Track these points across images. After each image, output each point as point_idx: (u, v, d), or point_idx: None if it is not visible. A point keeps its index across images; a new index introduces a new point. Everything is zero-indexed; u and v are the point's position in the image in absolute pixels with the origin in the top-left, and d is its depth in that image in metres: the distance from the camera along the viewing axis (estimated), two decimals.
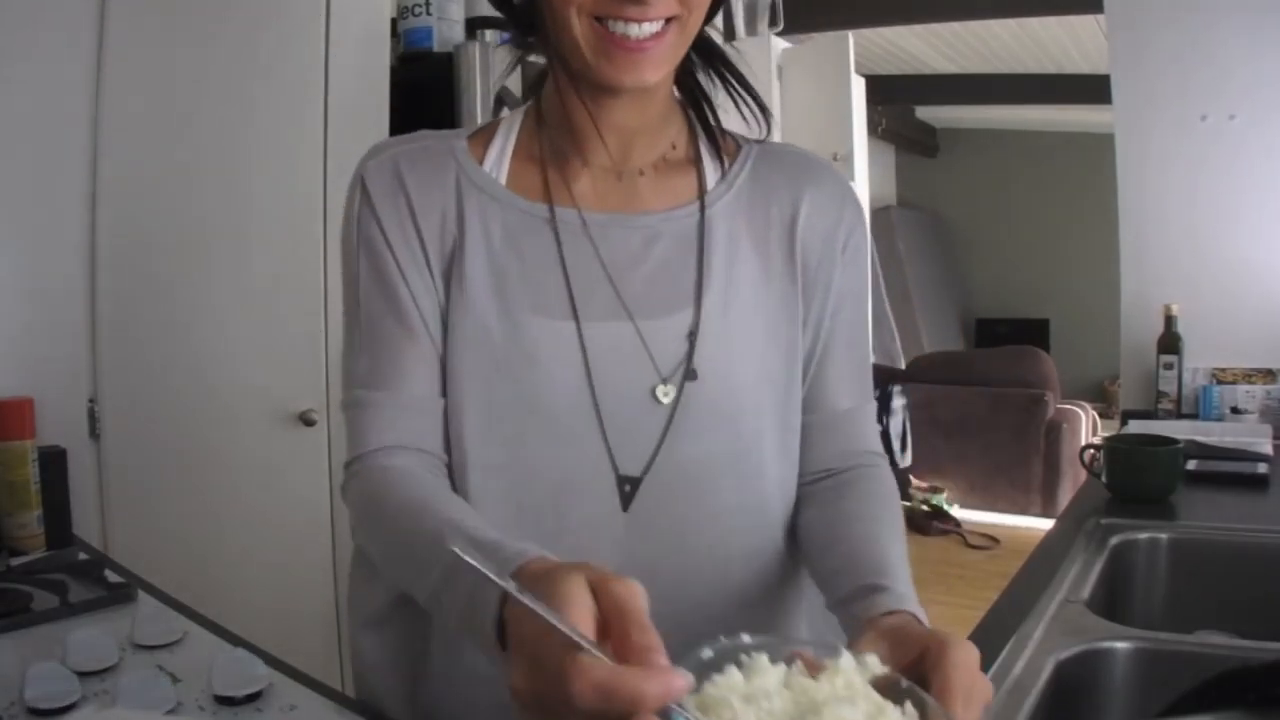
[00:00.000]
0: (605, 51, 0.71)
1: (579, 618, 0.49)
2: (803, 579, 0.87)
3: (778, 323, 0.82)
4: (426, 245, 0.79)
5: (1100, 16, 2.69)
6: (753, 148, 0.86)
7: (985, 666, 0.88)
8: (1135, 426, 2.16)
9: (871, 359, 0.91)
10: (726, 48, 0.86)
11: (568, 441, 0.78)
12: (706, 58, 0.84)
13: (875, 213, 6.20)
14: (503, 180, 0.81)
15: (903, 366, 6.01)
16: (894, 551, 0.75)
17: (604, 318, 0.78)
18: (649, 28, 0.71)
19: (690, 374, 0.78)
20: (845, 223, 0.85)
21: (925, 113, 7.79)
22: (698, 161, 0.84)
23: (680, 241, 0.81)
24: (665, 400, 0.78)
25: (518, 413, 0.78)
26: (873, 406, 0.89)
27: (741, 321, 0.80)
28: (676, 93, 0.85)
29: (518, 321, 0.78)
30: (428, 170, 0.81)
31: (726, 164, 0.85)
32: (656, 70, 0.73)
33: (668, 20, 0.72)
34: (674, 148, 0.84)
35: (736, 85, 0.85)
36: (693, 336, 0.79)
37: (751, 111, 0.85)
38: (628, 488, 0.78)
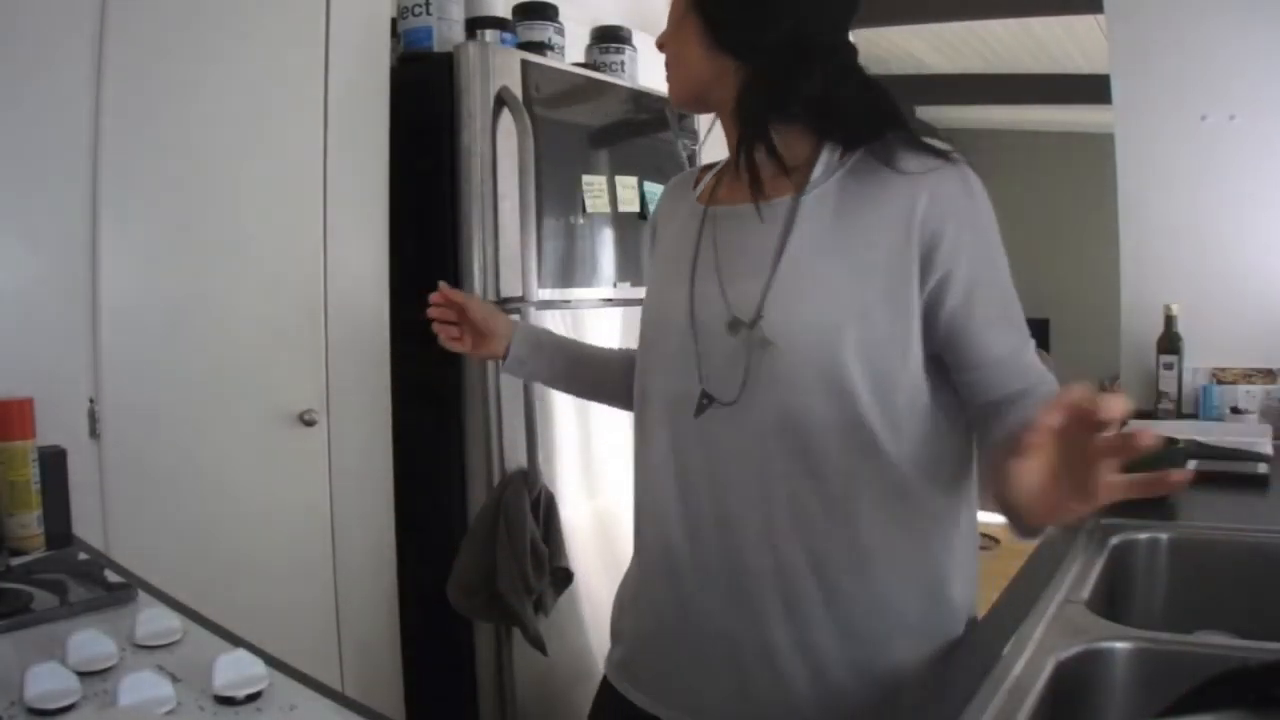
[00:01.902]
0: None
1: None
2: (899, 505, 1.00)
3: (869, 289, 0.95)
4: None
5: (1100, 16, 2.70)
6: (858, 153, 1.00)
7: (985, 666, 0.88)
8: (1135, 426, 2.16)
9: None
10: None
11: (675, 372, 1.06)
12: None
13: None
14: (698, 194, 1.14)
15: None
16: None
17: (705, 280, 1.04)
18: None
19: (759, 315, 0.97)
20: (946, 200, 0.95)
21: (925, 113, 7.78)
22: (812, 166, 1.00)
23: (773, 222, 1.00)
24: (740, 336, 0.98)
25: (647, 352, 1.12)
26: (1031, 346, 0.99)
27: (814, 283, 0.96)
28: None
29: (660, 288, 1.13)
30: (676, 186, 1.22)
31: (837, 165, 1.00)
32: (671, 89, 1.09)
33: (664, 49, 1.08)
34: (794, 156, 1.00)
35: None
36: (766, 289, 0.97)
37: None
38: (705, 401, 1.02)
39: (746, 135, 1.00)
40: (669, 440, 1.06)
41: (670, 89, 1.08)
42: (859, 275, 0.95)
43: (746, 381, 0.98)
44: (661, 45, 1.07)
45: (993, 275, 0.97)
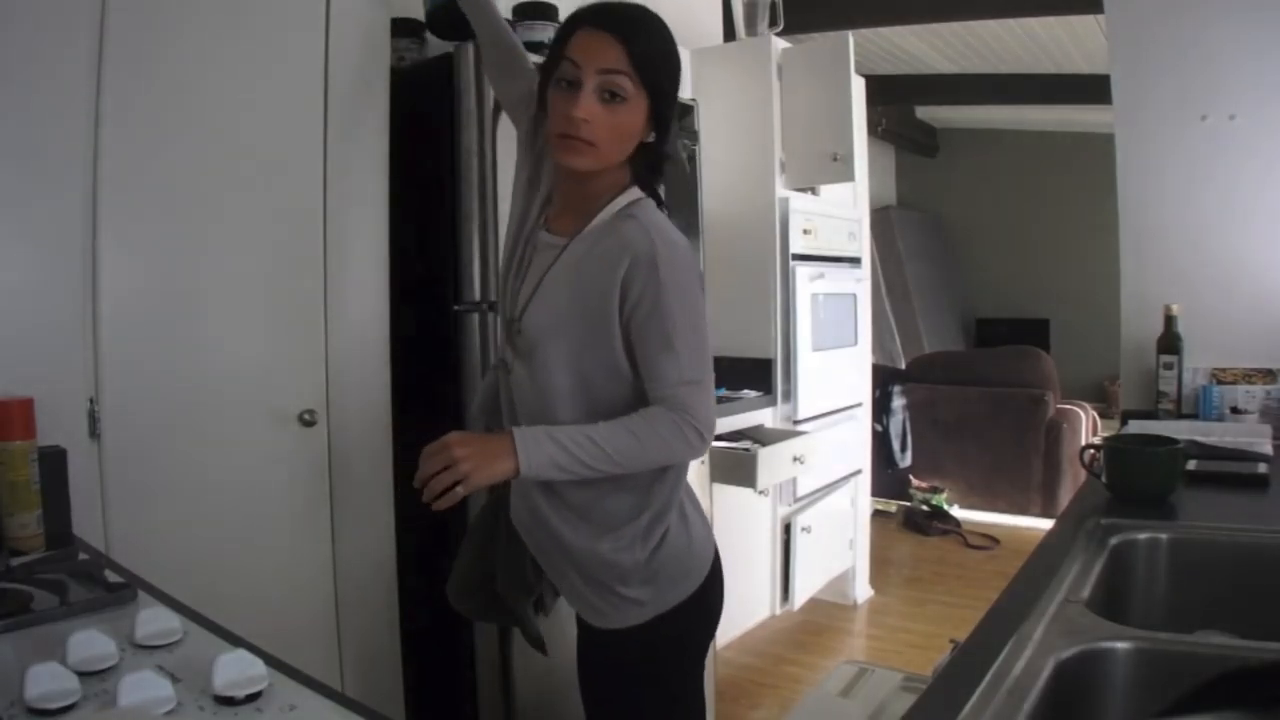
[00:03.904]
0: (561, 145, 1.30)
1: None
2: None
3: (583, 320, 1.31)
4: None
5: (1100, 16, 2.70)
6: (618, 215, 1.34)
7: (985, 666, 0.88)
8: (1135, 426, 2.16)
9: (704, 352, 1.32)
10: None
11: (502, 347, 1.47)
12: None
13: (875, 213, 6.19)
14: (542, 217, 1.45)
15: (903, 366, 6.00)
16: (589, 427, 1.27)
17: (521, 283, 1.43)
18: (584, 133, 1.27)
19: (517, 321, 1.39)
20: (637, 270, 1.27)
21: (925, 113, 7.79)
22: (591, 219, 1.35)
23: (548, 256, 1.39)
24: (513, 327, 1.40)
25: None
26: (684, 380, 1.28)
27: (551, 308, 1.35)
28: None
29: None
30: None
31: (604, 223, 1.34)
32: (599, 154, 1.29)
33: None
34: (595, 212, 1.36)
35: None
36: (525, 308, 1.38)
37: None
38: (501, 365, 1.46)
39: (646, 186, 1.40)
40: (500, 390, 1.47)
41: (597, 154, 1.28)
42: (576, 301, 1.32)
43: (515, 357, 1.40)
44: (587, 118, 1.25)
45: (659, 322, 1.28)
